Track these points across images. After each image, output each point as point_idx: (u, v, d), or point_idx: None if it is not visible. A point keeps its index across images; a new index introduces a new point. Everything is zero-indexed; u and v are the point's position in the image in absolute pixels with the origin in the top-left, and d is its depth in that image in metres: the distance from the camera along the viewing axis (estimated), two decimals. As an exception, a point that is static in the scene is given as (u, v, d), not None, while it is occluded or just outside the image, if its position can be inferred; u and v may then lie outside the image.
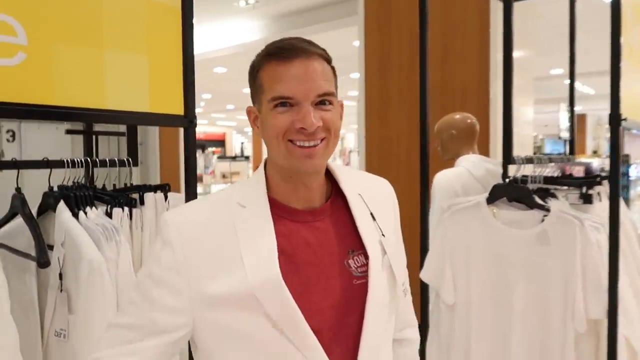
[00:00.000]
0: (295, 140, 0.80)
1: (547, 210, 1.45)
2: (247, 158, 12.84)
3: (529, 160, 1.58)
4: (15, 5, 1.03)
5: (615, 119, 1.27)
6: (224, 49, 7.07)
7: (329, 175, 0.91)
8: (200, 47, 7.12)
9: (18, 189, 1.24)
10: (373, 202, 0.92)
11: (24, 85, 1.05)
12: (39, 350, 1.23)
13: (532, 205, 1.48)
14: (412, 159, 2.44)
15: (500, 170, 1.79)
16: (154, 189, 1.35)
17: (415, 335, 1.06)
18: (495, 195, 1.53)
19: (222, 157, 13.40)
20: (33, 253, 1.21)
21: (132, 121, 1.24)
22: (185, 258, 0.79)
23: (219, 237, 0.81)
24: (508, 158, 1.53)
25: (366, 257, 0.85)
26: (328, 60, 0.86)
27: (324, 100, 0.82)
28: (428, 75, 1.65)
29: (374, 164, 3.54)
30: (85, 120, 1.14)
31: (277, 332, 0.78)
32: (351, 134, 16.09)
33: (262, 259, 0.79)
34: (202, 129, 17.32)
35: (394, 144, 3.40)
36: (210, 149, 15.23)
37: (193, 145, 1.32)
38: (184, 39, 1.30)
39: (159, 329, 0.80)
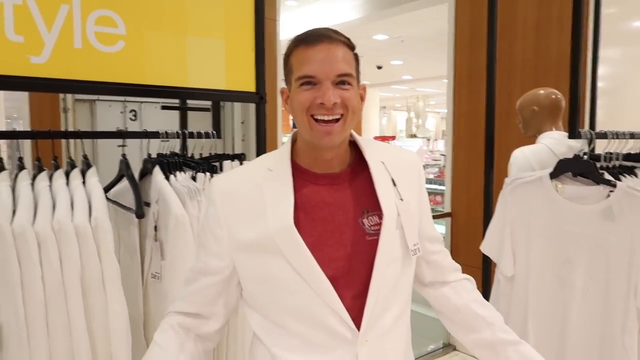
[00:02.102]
0: (316, 115, 0.92)
1: (614, 186, 1.40)
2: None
3: (599, 135, 1.52)
4: (116, 1, 1.24)
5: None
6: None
7: (355, 145, 1.02)
8: (300, 29, 7.38)
9: (123, 155, 1.50)
10: (396, 169, 1.01)
11: (123, 68, 1.28)
12: (139, 289, 1.49)
13: (597, 181, 1.44)
14: (500, 134, 2.41)
15: (585, 148, 1.73)
16: (231, 157, 1.54)
17: (464, 275, 1.14)
18: (560, 170, 1.51)
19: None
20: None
21: (211, 97, 1.43)
22: (223, 212, 0.97)
23: (249, 195, 0.97)
24: (574, 132, 1.49)
25: (380, 217, 0.95)
26: (350, 47, 0.96)
27: (343, 81, 0.92)
28: (496, 52, 1.64)
29: (462, 140, 3.50)
30: (170, 97, 1.34)
31: (295, 274, 0.92)
32: (432, 117, 15.42)
33: (281, 211, 0.93)
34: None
35: (481, 121, 3.32)
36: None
37: (263, 119, 1.48)
38: (256, 23, 1.45)
39: (209, 270, 0.99)
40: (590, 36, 2.12)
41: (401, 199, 0.99)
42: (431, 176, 7.17)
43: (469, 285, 1.12)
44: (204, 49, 1.38)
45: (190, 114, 1.86)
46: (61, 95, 3.51)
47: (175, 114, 1.86)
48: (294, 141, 1.01)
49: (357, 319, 0.94)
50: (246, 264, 0.97)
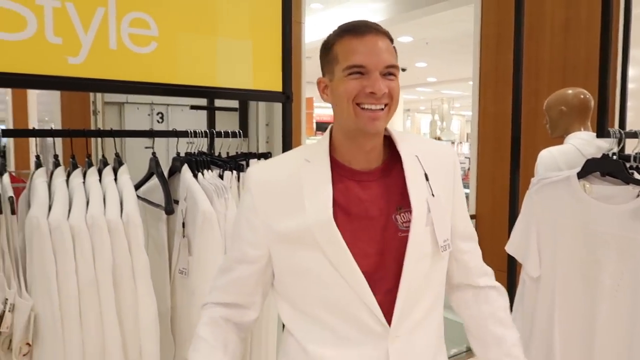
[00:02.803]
0: (363, 104, 0.93)
1: (644, 185, 1.38)
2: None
3: (629, 135, 1.50)
4: (149, 4, 1.29)
5: None
6: (349, 32, 7.24)
7: (389, 140, 1.03)
8: (324, 32, 7.41)
9: (153, 154, 1.55)
10: (429, 163, 1.01)
11: (155, 68, 1.32)
12: (167, 284, 1.53)
13: (627, 180, 1.41)
14: (527, 135, 2.39)
15: (614, 148, 1.70)
16: (258, 156, 1.56)
17: (496, 282, 1.13)
18: (588, 170, 1.49)
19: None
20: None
21: (239, 97, 1.46)
22: (260, 201, 0.98)
23: (287, 186, 0.98)
24: (602, 131, 1.47)
25: (412, 213, 0.96)
26: (391, 40, 0.97)
27: (390, 72, 0.94)
28: (522, 52, 1.63)
29: (487, 142, 3.47)
30: (199, 96, 1.38)
31: (331, 268, 0.93)
32: (456, 120, 15.22)
33: (320, 204, 0.94)
34: (328, 112, 17.95)
35: (508, 122, 3.29)
36: (335, 131, 15.61)
37: (289, 118, 1.50)
38: (283, 25, 1.48)
39: (246, 259, 1.01)
40: (621, 36, 2.09)
41: (432, 195, 0.99)
42: (456, 179, 7.09)
43: (494, 295, 1.10)
44: (233, 50, 1.42)
45: (216, 115, 1.90)
46: (91, 98, 3.62)
47: (202, 116, 1.91)
48: (330, 135, 1.02)
49: (388, 314, 0.95)
50: (281, 254, 0.98)
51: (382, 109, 0.94)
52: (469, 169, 5.09)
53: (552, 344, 1.50)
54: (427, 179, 0.99)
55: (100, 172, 1.42)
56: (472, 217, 3.53)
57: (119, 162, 1.46)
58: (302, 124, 4.53)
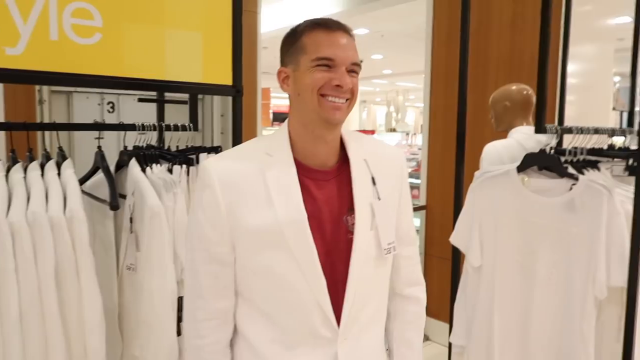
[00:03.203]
0: (327, 96, 0.94)
1: (577, 179, 1.46)
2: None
3: (565, 130, 1.59)
4: (92, -6, 1.25)
5: None
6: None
7: (341, 142, 1.04)
8: (281, 22, 7.34)
9: (99, 147, 1.51)
10: (377, 167, 1.03)
11: (100, 60, 1.28)
12: (114, 281, 1.50)
13: (562, 174, 1.50)
14: (475, 129, 2.47)
15: (552, 142, 1.79)
16: (208, 150, 1.55)
17: (421, 294, 1.15)
18: (526, 164, 1.57)
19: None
20: (110, 200, 1.47)
21: (188, 90, 1.44)
22: (223, 196, 0.94)
23: (250, 179, 0.95)
24: (540, 127, 1.55)
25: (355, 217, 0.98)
26: (353, 35, 1.00)
27: (353, 70, 0.97)
28: (468, 47, 1.68)
29: (438, 134, 3.56)
30: (147, 89, 1.35)
31: (296, 268, 0.93)
32: (411, 111, 15.54)
33: (292, 203, 0.94)
34: (285, 102, 17.81)
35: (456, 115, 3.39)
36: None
37: (240, 112, 1.49)
38: (234, 17, 1.47)
39: (226, 260, 0.98)
40: (562, 33, 2.18)
41: (379, 198, 1.00)
42: (409, 170, 7.27)
43: (411, 311, 1.12)
44: (182, 42, 1.40)
45: (169, 107, 1.87)
46: (37, 87, 3.46)
47: (154, 106, 1.87)
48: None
49: (336, 317, 0.96)
50: (246, 250, 0.96)
51: (344, 102, 0.96)
52: (421, 160, 5.20)
53: (492, 329, 1.58)
54: (374, 182, 1.01)
55: (42, 167, 1.37)
56: (422, 207, 3.63)
57: (62, 156, 1.42)
58: (258, 115, 4.50)
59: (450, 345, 1.78)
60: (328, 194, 0.99)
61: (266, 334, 0.98)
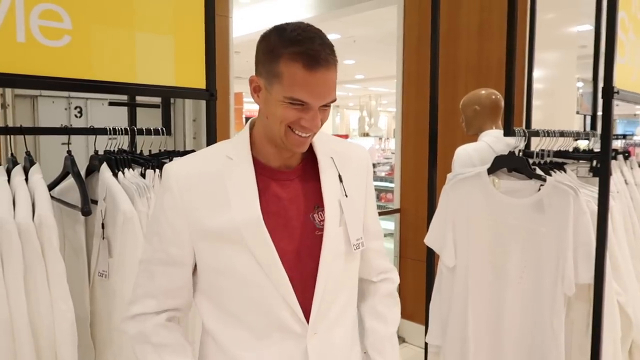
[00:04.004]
0: (294, 129, 0.92)
1: (544, 180, 1.51)
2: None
3: (532, 133, 1.64)
4: (61, -5, 1.22)
5: (607, 91, 1.31)
6: (277, 27, 7.22)
7: None
8: (253, 27, 7.32)
9: (69, 152, 1.47)
10: (343, 165, 1.04)
11: (69, 62, 1.25)
12: (86, 288, 1.47)
13: (530, 176, 1.54)
14: (446, 133, 2.51)
15: (521, 145, 1.84)
16: (181, 154, 1.54)
17: (392, 275, 1.18)
18: (496, 166, 1.61)
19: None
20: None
21: (160, 94, 1.43)
22: (182, 200, 0.95)
23: (210, 183, 0.96)
24: (509, 130, 1.59)
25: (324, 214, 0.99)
26: (336, 58, 0.92)
27: (328, 104, 0.94)
28: (438, 53, 1.72)
29: (410, 138, 3.61)
30: (117, 93, 1.33)
31: (257, 266, 0.94)
32: (384, 116, 15.72)
33: (247, 203, 0.94)
34: (258, 107, 17.71)
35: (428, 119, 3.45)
36: (265, 127, 15.53)
37: (214, 116, 1.49)
38: (206, 19, 1.46)
39: (173, 260, 0.98)
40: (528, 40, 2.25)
41: (346, 195, 1.02)
42: (383, 174, 7.33)
43: (382, 288, 1.16)
44: (153, 45, 1.38)
45: (141, 111, 1.84)
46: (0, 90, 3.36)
47: (124, 111, 1.84)
48: (250, 130, 1.01)
49: (306, 312, 0.97)
50: (206, 251, 0.97)
51: (310, 135, 0.95)
52: (395, 164, 5.25)
53: (466, 328, 1.61)
54: (340, 180, 1.02)
55: (9, 172, 1.33)
56: (396, 210, 3.67)
57: (30, 161, 1.38)
58: (231, 120, 4.47)
59: (426, 346, 1.80)
60: (293, 192, 1.00)
61: (234, 331, 0.98)
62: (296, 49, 0.87)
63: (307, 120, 0.91)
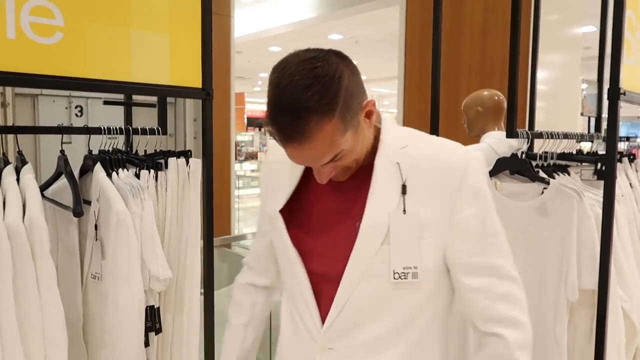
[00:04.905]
0: None
1: (547, 183, 1.47)
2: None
3: (535, 135, 1.60)
4: (53, -9, 1.20)
5: (614, 92, 1.27)
6: (279, 27, 7.23)
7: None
8: (255, 27, 7.29)
9: (62, 151, 1.45)
10: (417, 173, 0.88)
11: (62, 60, 1.23)
12: (79, 290, 1.44)
13: (533, 178, 1.51)
14: (449, 134, 2.48)
15: (523, 147, 1.81)
16: (177, 154, 1.51)
17: (503, 330, 0.91)
18: (498, 168, 1.57)
19: (275, 134, 13.56)
20: (74, 207, 1.41)
21: (155, 93, 1.40)
22: (263, 181, 1.08)
23: (279, 171, 1.02)
24: (511, 131, 1.56)
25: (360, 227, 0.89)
26: (329, 115, 0.79)
27: (336, 159, 0.85)
28: (440, 54, 1.69)
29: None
30: (111, 91, 1.30)
31: (286, 258, 0.99)
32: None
33: (281, 196, 0.99)
34: (261, 108, 17.78)
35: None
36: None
37: (210, 116, 1.46)
38: (203, 18, 1.43)
39: (263, 232, 1.13)
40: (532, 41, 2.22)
41: (404, 210, 0.86)
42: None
43: (489, 347, 0.91)
44: (148, 43, 1.35)
45: (141, 111, 1.81)
46: (0, 89, 3.34)
47: (129, 110, 1.81)
48: None
49: (324, 321, 0.93)
50: (270, 232, 1.07)
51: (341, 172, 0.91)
52: (396, 165, 5.22)
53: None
54: (404, 191, 0.87)
55: (0, 172, 1.31)
56: (398, 212, 3.63)
57: (22, 161, 1.35)
58: (232, 120, 4.45)
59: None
60: (344, 197, 0.93)
61: (287, 319, 1.05)
62: (267, 121, 0.83)
63: (314, 172, 0.90)
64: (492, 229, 0.93)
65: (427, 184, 0.88)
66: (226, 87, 4.41)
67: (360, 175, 0.91)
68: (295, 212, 0.97)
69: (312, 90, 0.78)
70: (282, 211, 0.97)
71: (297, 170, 0.97)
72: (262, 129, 13.77)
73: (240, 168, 11.40)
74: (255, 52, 8.57)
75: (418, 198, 0.87)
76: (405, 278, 0.87)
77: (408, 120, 3.61)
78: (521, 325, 0.93)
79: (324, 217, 0.94)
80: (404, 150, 0.90)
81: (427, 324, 0.93)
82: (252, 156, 12.23)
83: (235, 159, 9.04)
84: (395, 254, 0.86)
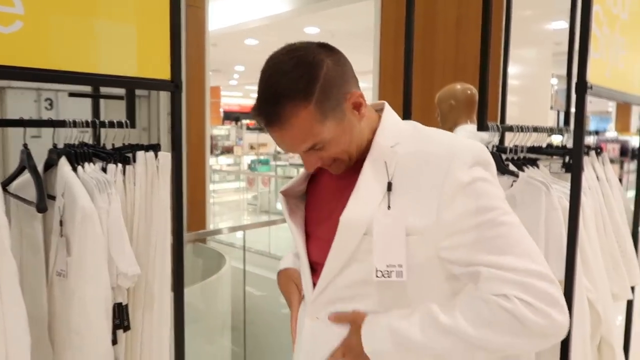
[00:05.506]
0: None
1: (517, 176, 1.49)
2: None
3: (506, 128, 1.62)
4: (12, -23, 1.15)
5: (581, 86, 1.29)
6: (255, 20, 7.15)
7: None
8: (231, 19, 7.20)
9: (25, 145, 1.40)
10: (404, 170, 0.88)
11: (22, 50, 1.18)
12: (43, 288, 1.40)
13: (503, 171, 1.52)
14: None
15: (494, 140, 1.83)
16: (146, 148, 1.47)
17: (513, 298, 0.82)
18: (469, 162, 1.58)
19: (250, 128, 13.59)
20: (38, 202, 1.37)
21: (121, 85, 1.36)
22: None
23: None
24: (482, 125, 1.57)
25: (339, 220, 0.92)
26: (305, 101, 0.82)
27: (318, 147, 0.88)
28: (413, 47, 1.69)
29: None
30: (76, 83, 1.26)
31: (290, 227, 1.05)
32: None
33: (298, 180, 1.08)
34: (237, 101, 17.61)
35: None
36: (244, 121, 15.45)
37: (179, 109, 1.43)
38: (172, 7, 1.40)
39: None
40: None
41: (388, 207, 0.87)
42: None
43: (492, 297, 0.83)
44: (114, 33, 1.31)
45: (114, 105, 1.77)
46: (-37, 81, 3.23)
47: (99, 104, 1.76)
48: None
49: None
50: None
51: (333, 164, 0.95)
52: (372, 159, 5.23)
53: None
54: (389, 188, 0.87)
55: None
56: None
57: (-19, 155, 1.31)
58: (207, 113, 4.39)
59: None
60: (340, 189, 0.97)
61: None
62: (253, 106, 0.90)
63: (301, 158, 0.94)
64: (490, 223, 0.85)
65: (413, 181, 0.87)
66: (201, 80, 4.34)
67: (358, 170, 0.93)
68: (308, 196, 1.09)
69: (288, 76, 0.83)
70: (291, 194, 1.07)
71: None
72: (239, 123, 13.65)
73: (216, 162, 11.31)
74: (231, 45, 8.46)
75: (404, 195, 0.87)
76: (388, 277, 0.86)
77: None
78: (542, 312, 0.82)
79: (323, 206, 1.01)
80: (393, 148, 0.91)
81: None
82: (228, 150, 12.12)
83: (211, 153, 8.94)
84: (379, 251, 0.85)
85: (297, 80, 0.82)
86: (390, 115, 0.98)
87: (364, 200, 0.89)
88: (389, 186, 0.87)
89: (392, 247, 0.85)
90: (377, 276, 0.86)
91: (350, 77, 0.90)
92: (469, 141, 0.91)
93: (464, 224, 0.84)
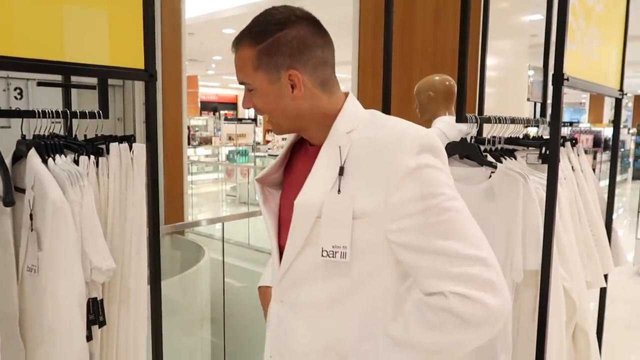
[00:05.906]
0: None
1: (495, 167, 1.50)
2: (254, 120, 12.81)
3: (484, 120, 1.63)
4: (-26, -40, 1.09)
5: (557, 78, 1.30)
6: (232, 9, 7.04)
7: None
8: (208, 7, 7.08)
9: (-9, 136, 1.35)
10: (357, 155, 0.91)
11: (-15, 37, 1.13)
12: (14, 284, 1.36)
13: (481, 162, 1.53)
14: (401, 116, 2.49)
15: (473, 131, 1.84)
16: (119, 139, 1.43)
17: (448, 297, 0.83)
18: (448, 153, 1.58)
19: (229, 119, 13.44)
20: (6, 195, 1.32)
21: (92, 74, 1.32)
22: None
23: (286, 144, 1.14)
24: (461, 116, 1.57)
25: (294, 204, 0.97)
26: (256, 41, 0.93)
27: (248, 88, 0.97)
28: (391, 38, 1.68)
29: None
30: (44, 71, 1.21)
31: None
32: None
33: (275, 163, 1.09)
34: (215, 91, 17.39)
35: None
36: (222, 112, 15.29)
37: (154, 99, 1.39)
38: (145, -6, 1.36)
39: None
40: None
41: (339, 191, 0.89)
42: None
43: (431, 299, 0.86)
44: (84, 20, 1.27)
45: (88, 95, 1.72)
46: None
47: (73, 93, 1.70)
48: None
49: None
50: None
51: (267, 117, 1.01)
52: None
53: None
54: (341, 172, 0.90)
55: None
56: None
57: (-55, 147, 1.25)
58: (184, 104, 4.31)
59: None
60: (300, 174, 0.99)
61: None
62: None
63: None
64: (435, 209, 0.86)
65: (364, 166, 0.90)
66: (177, 69, 4.26)
67: (318, 151, 0.98)
68: (284, 183, 1.11)
69: (261, 20, 0.95)
70: (267, 182, 1.09)
71: (286, 149, 1.10)
72: (217, 114, 13.48)
73: (194, 153, 11.17)
74: (209, 34, 8.32)
75: (355, 180, 0.90)
76: (333, 257, 0.89)
77: (362, 104, 3.61)
78: (477, 301, 0.83)
79: (292, 191, 1.00)
80: (349, 134, 0.94)
81: (362, 308, 0.94)
82: (206, 141, 11.98)
83: (189, 144, 8.80)
84: (326, 232, 0.90)
85: (261, 26, 0.94)
86: (351, 103, 1.00)
87: (317, 184, 0.93)
88: (341, 170, 0.90)
89: (339, 229, 0.89)
90: (322, 255, 0.90)
91: (312, 62, 0.94)
92: (419, 128, 0.93)
93: (410, 209, 0.86)
